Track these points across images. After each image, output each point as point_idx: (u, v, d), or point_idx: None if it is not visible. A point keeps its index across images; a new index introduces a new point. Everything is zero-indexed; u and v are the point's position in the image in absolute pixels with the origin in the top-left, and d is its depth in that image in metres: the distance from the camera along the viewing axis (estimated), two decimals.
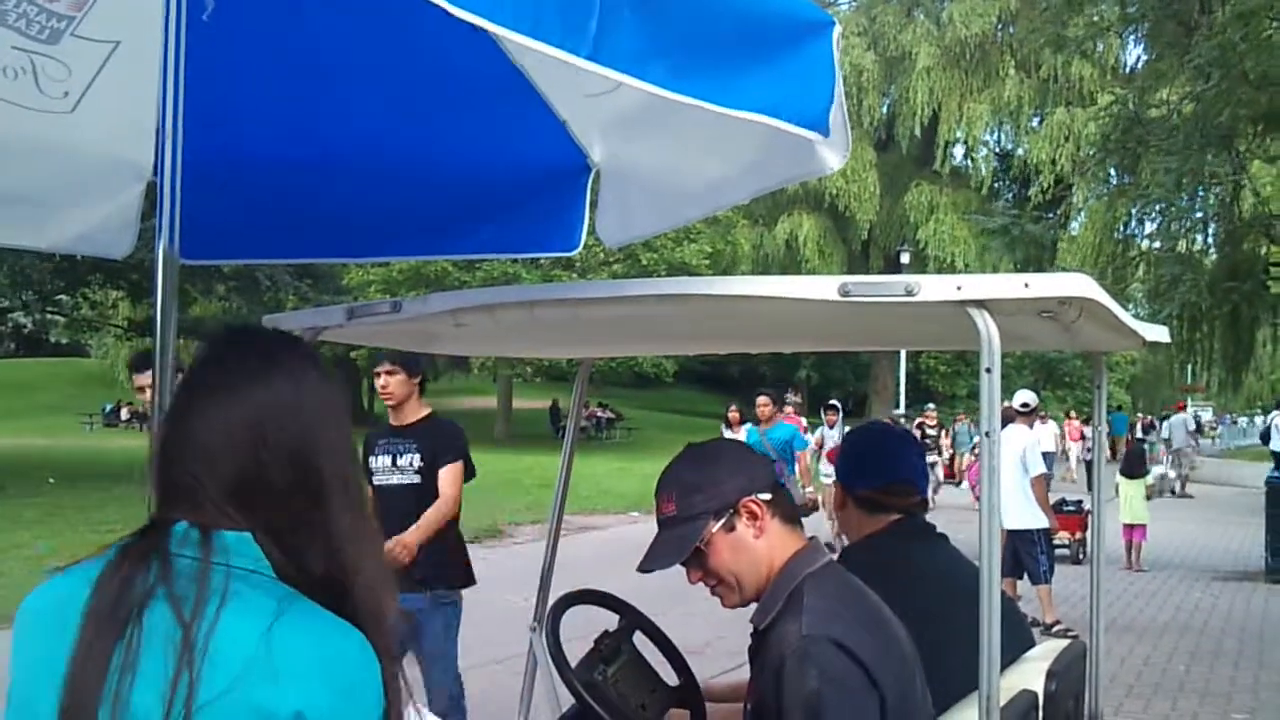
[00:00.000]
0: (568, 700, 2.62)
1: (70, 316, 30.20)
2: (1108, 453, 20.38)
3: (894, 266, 38.56)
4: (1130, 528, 13.83)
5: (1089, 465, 18.68)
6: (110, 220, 3.15)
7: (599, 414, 41.63)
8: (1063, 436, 28.56)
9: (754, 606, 2.16)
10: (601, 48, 1.62)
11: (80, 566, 1.38)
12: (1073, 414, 32.06)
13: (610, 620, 2.77)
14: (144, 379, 5.65)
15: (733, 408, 14.23)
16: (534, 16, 1.52)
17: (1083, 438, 28.27)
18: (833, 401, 18.24)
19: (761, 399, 11.68)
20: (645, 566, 2.21)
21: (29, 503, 16.24)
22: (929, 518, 2.78)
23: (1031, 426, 10.35)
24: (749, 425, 12.79)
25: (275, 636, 1.27)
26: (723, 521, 2.12)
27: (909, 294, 1.69)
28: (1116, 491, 13.93)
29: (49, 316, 29.83)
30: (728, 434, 13.79)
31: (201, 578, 1.30)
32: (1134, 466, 14.40)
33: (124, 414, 45.47)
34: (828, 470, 13.91)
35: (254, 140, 3.11)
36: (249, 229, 3.30)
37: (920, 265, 37.02)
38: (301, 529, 1.37)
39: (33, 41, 2.59)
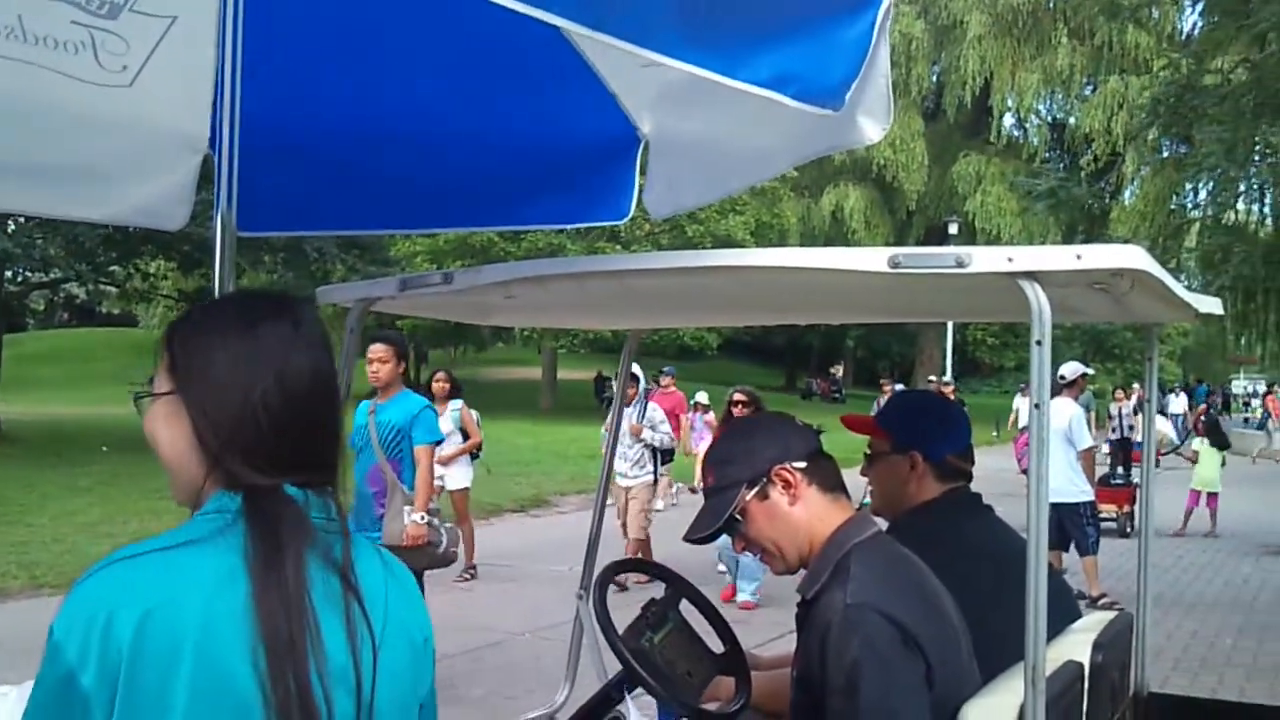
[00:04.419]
0: (613, 667, 2.65)
1: (122, 287, 30.51)
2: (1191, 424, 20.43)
3: (941, 237, 38.15)
4: (1198, 494, 14.54)
5: (1123, 442, 18.34)
6: (167, 193, 3.18)
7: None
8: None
9: (800, 576, 2.19)
10: (609, 17, 1.61)
11: (184, 548, 1.34)
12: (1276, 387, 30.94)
13: (655, 589, 2.80)
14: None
15: (439, 375, 10.90)
16: None
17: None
18: (666, 368, 14.60)
19: (377, 348, 6.53)
20: (688, 536, 2.30)
21: (85, 470, 16.49)
22: None
23: (1077, 399, 10.26)
24: (458, 400, 10.03)
25: (392, 573, 1.49)
26: (756, 490, 2.17)
27: (960, 266, 1.69)
28: (1196, 459, 14.82)
29: (102, 287, 30.12)
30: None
31: (333, 532, 1.41)
32: (1219, 436, 15.36)
33: None
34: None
35: (307, 113, 3.14)
36: (303, 201, 3.34)
37: (968, 236, 36.61)
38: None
39: (93, 16, 2.63)
